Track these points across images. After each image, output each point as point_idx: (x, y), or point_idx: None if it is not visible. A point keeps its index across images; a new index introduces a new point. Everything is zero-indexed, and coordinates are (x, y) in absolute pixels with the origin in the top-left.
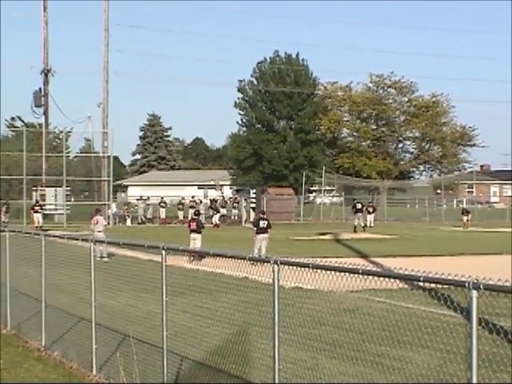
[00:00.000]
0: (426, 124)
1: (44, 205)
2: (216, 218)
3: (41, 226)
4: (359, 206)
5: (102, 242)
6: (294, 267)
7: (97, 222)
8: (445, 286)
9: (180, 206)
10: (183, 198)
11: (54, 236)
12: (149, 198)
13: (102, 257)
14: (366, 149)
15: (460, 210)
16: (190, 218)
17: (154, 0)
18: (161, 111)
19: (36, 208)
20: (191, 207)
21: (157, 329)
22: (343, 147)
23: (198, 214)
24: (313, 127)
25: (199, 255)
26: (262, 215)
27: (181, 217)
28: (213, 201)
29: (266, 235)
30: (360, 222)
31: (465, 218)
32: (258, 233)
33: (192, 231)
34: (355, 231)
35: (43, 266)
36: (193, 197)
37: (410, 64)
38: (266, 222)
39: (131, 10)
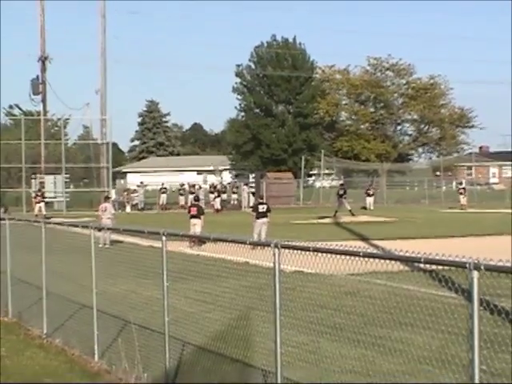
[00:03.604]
0: (424, 106)
1: (43, 193)
2: (217, 203)
3: (44, 215)
4: (341, 191)
5: (103, 228)
6: (295, 251)
7: (105, 210)
8: (445, 268)
9: (182, 192)
10: (183, 184)
11: (54, 223)
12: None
13: (104, 244)
14: (364, 132)
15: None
16: (189, 204)
17: None
18: (159, 97)
19: (38, 198)
20: (191, 193)
21: (158, 314)
22: (342, 130)
23: (197, 199)
24: (311, 111)
25: (200, 240)
26: (260, 200)
27: (182, 202)
28: (212, 186)
29: (265, 219)
30: (346, 206)
31: (461, 197)
32: (257, 217)
33: (192, 216)
34: (353, 214)
35: (43, 254)
36: (189, 183)
37: (407, 46)
38: (265, 207)
39: None
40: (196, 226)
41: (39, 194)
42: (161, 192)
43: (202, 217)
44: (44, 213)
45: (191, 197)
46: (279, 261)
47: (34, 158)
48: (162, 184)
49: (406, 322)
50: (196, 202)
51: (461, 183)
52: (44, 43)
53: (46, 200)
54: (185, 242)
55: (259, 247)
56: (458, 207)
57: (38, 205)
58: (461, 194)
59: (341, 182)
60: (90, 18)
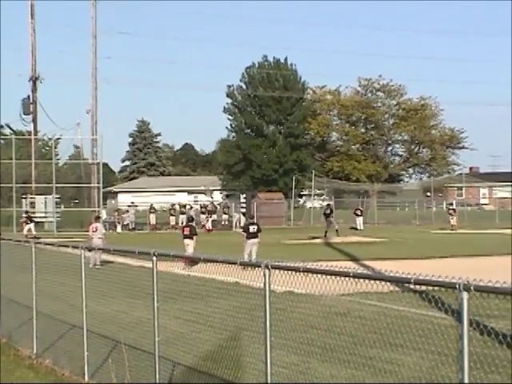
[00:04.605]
0: (414, 127)
1: (33, 213)
2: (209, 223)
3: (34, 235)
4: (328, 211)
5: (94, 249)
6: (285, 271)
7: (95, 230)
8: (436, 288)
9: (172, 212)
10: (174, 204)
11: (45, 243)
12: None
13: (95, 264)
14: (355, 152)
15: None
16: (183, 224)
17: (143, 1)
18: (150, 117)
19: (25, 219)
20: (182, 213)
21: (148, 335)
22: (333, 151)
23: (191, 219)
24: (302, 131)
25: (192, 261)
26: (251, 220)
27: (172, 222)
28: (203, 206)
29: (256, 240)
30: (334, 226)
31: (451, 218)
32: (248, 238)
33: (185, 237)
34: (338, 235)
35: (34, 274)
36: (180, 203)
37: (398, 67)
38: (255, 227)
39: (120, 17)
40: (189, 247)
41: (26, 216)
42: (150, 212)
43: (194, 237)
44: (34, 233)
45: (182, 217)
46: (270, 281)
47: (24, 178)
48: (151, 205)
49: (396, 343)
50: (189, 223)
51: (451, 204)
52: (35, 63)
53: (36, 220)
54: (175, 262)
55: (250, 267)
56: (449, 228)
57: (26, 226)
58: (450, 214)
59: (328, 202)
60: (82, 38)
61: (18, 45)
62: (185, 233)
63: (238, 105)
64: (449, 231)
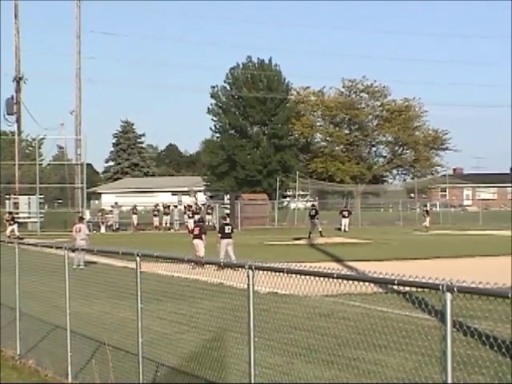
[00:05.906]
0: (398, 128)
1: (17, 213)
2: (191, 223)
3: (17, 236)
4: (313, 212)
5: (77, 249)
6: (269, 272)
7: (79, 230)
8: (419, 289)
9: (156, 213)
10: (157, 205)
11: (28, 244)
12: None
13: (78, 265)
14: (339, 153)
15: (432, 214)
16: (194, 224)
17: (127, 2)
18: (134, 118)
19: (9, 221)
20: (166, 214)
21: (132, 336)
22: (316, 152)
23: (202, 220)
24: (286, 132)
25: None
26: (224, 221)
27: (156, 223)
28: (187, 207)
29: (230, 240)
30: (318, 227)
31: (427, 219)
32: (222, 238)
33: (195, 237)
34: (321, 236)
35: (17, 275)
36: (164, 204)
37: (382, 68)
38: (230, 227)
39: (104, 17)
40: (199, 247)
41: (8, 217)
42: (132, 213)
43: (203, 236)
44: (17, 234)
45: (166, 218)
46: (253, 282)
47: (8, 178)
48: (134, 205)
49: (379, 344)
50: (199, 223)
51: (425, 205)
52: (19, 63)
53: (20, 221)
54: (158, 263)
55: (228, 268)
56: (421, 229)
57: (10, 226)
58: (424, 216)
59: (312, 203)
60: (66, 38)
61: (2, 45)
62: (194, 233)
63: (222, 106)
64: (420, 233)
